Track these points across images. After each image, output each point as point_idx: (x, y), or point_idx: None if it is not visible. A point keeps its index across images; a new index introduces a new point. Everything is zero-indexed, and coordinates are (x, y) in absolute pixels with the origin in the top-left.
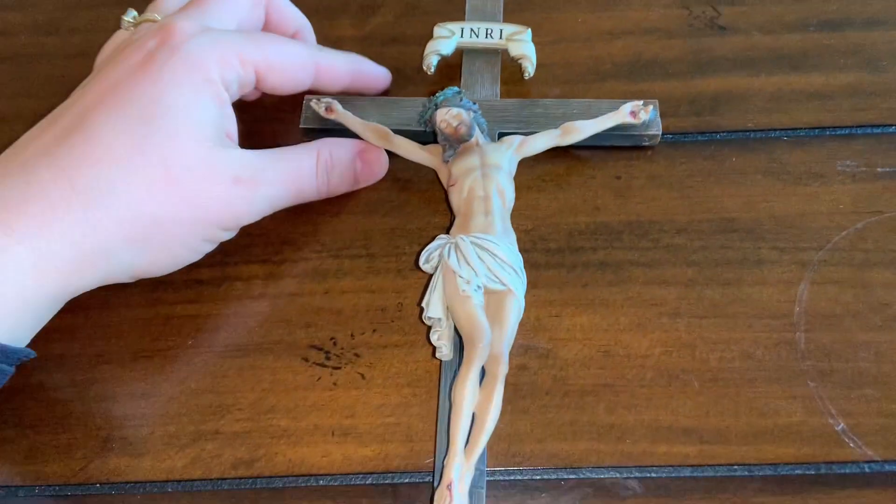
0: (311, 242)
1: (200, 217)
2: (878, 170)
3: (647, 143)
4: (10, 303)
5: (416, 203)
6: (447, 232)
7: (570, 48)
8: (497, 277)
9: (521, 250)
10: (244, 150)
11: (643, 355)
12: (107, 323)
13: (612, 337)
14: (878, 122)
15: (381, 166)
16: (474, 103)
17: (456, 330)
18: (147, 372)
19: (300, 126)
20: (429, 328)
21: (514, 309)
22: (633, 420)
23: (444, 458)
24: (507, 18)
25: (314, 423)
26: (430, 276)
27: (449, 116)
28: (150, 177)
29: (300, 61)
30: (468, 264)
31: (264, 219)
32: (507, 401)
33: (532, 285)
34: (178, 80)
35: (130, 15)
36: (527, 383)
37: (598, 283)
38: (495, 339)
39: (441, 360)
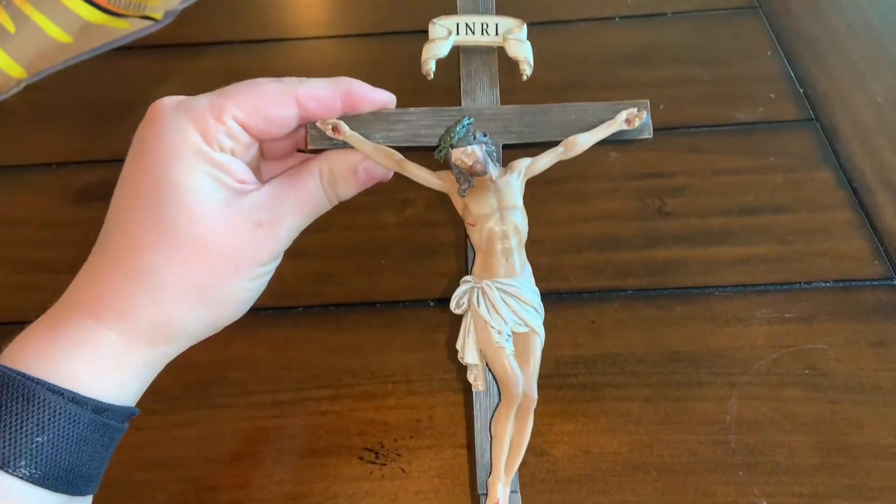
0: (364, 372)
1: (238, 266)
2: (787, 315)
3: (637, 144)
4: (109, 372)
5: (441, 342)
6: (469, 271)
7: (556, 228)
8: (522, 320)
9: None
10: (257, 191)
11: (614, 452)
12: (213, 433)
13: (591, 439)
14: (786, 281)
15: (384, 171)
16: (485, 134)
17: (488, 367)
18: (244, 468)
19: (308, 147)
20: (464, 368)
21: (538, 346)
22: (607, 501)
23: (488, 479)
24: None
25: None
26: (459, 322)
27: (464, 156)
28: (183, 253)
29: (274, 94)
30: (497, 312)
31: (332, 354)
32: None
33: None
34: (172, 161)
35: None
36: (527, 473)
37: (579, 399)
38: (526, 379)
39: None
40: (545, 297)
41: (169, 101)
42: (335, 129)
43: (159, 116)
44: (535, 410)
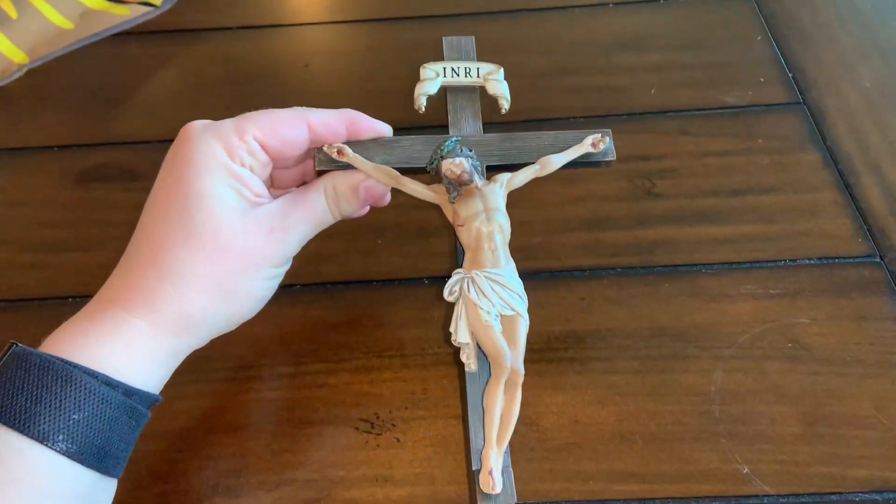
0: (360, 347)
1: (254, 265)
2: (771, 291)
3: (603, 167)
4: (138, 359)
5: (435, 319)
6: (460, 266)
7: (548, 209)
8: (508, 305)
9: None
10: (270, 203)
11: (602, 422)
12: (214, 405)
13: (579, 410)
14: (771, 258)
15: (383, 190)
16: (471, 150)
17: (479, 348)
18: (243, 438)
19: (315, 169)
20: (457, 349)
21: (524, 328)
22: (595, 468)
23: (482, 449)
24: None
25: (363, 474)
26: (453, 305)
27: (453, 166)
28: (206, 251)
29: (289, 119)
30: (485, 296)
31: (329, 331)
32: None
33: None
34: (201, 173)
35: None
36: (518, 443)
37: (568, 373)
38: (513, 357)
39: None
40: (537, 275)
41: (199, 123)
42: (340, 152)
43: (190, 135)
44: (525, 384)
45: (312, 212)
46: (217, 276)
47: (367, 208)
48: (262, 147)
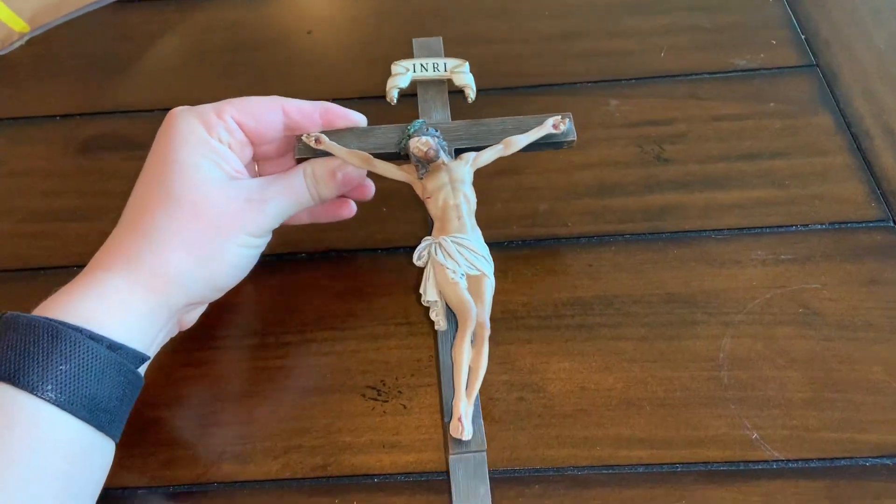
0: (367, 315)
1: (229, 230)
2: (782, 257)
3: (566, 147)
4: (117, 314)
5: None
6: (430, 234)
7: (555, 175)
8: (474, 265)
9: (518, 318)
10: (251, 179)
11: (609, 389)
12: (220, 373)
13: (586, 377)
14: (781, 223)
15: (359, 175)
16: (437, 130)
17: (448, 307)
18: (250, 406)
19: (295, 157)
20: (427, 308)
21: (489, 287)
22: (601, 434)
23: (452, 400)
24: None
25: (370, 440)
26: (422, 269)
27: (420, 143)
28: (182, 212)
29: (266, 103)
30: (451, 258)
31: (335, 299)
32: (509, 421)
33: (527, 341)
34: (180, 145)
35: None
36: (524, 409)
37: (575, 339)
38: (479, 312)
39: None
40: (544, 241)
41: (182, 107)
42: (318, 140)
43: (173, 116)
44: (532, 350)
45: (291, 188)
46: (192, 237)
47: (354, 209)
48: (239, 125)
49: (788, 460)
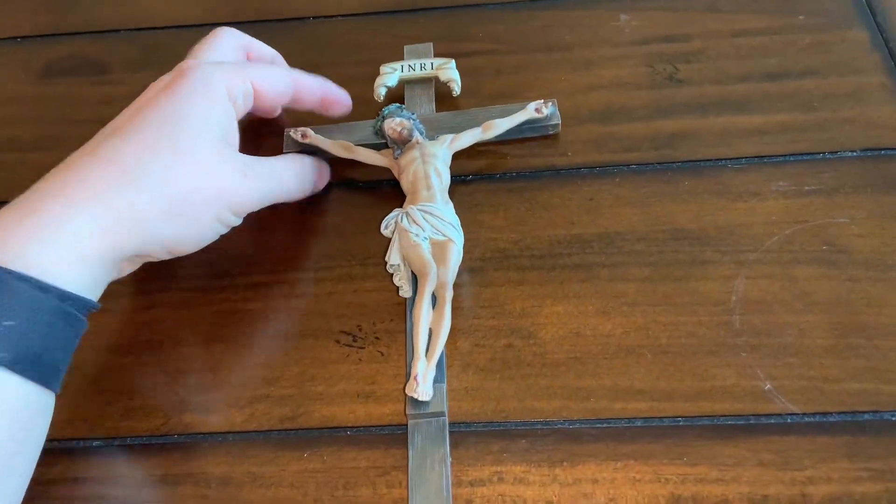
0: (343, 255)
1: (218, 199)
2: (806, 188)
3: (550, 133)
4: (74, 261)
5: None
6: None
7: (556, 99)
8: (439, 231)
9: (509, 257)
10: (246, 155)
11: (606, 335)
12: (185, 318)
13: (582, 321)
14: (807, 151)
15: (327, 177)
16: (413, 113)
17: (414, 275)
18: (215, 352)
19: (283, 152)
20: (392, 274)
21: (455, 253)
22: (596, 384)
23: (411, 361)
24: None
25: (344, 389)
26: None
27: (394, 124)
28: (181, 163)
29: (284, 76)
30: (416, 224)
31: (310, 235)
32: (496, 370)
33: (518, 283)
34: (195, 95)
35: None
36: (512, 357)
37: (571, 280)
38: (441, 273)
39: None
40: (540, 173)
41: (209, 62)
42: (304, 135)
43: (195, 67)
44: (523, 293)
45: (280, 178)
46: (180, 193)
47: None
48: (255, 92)
49: (804, 414)
